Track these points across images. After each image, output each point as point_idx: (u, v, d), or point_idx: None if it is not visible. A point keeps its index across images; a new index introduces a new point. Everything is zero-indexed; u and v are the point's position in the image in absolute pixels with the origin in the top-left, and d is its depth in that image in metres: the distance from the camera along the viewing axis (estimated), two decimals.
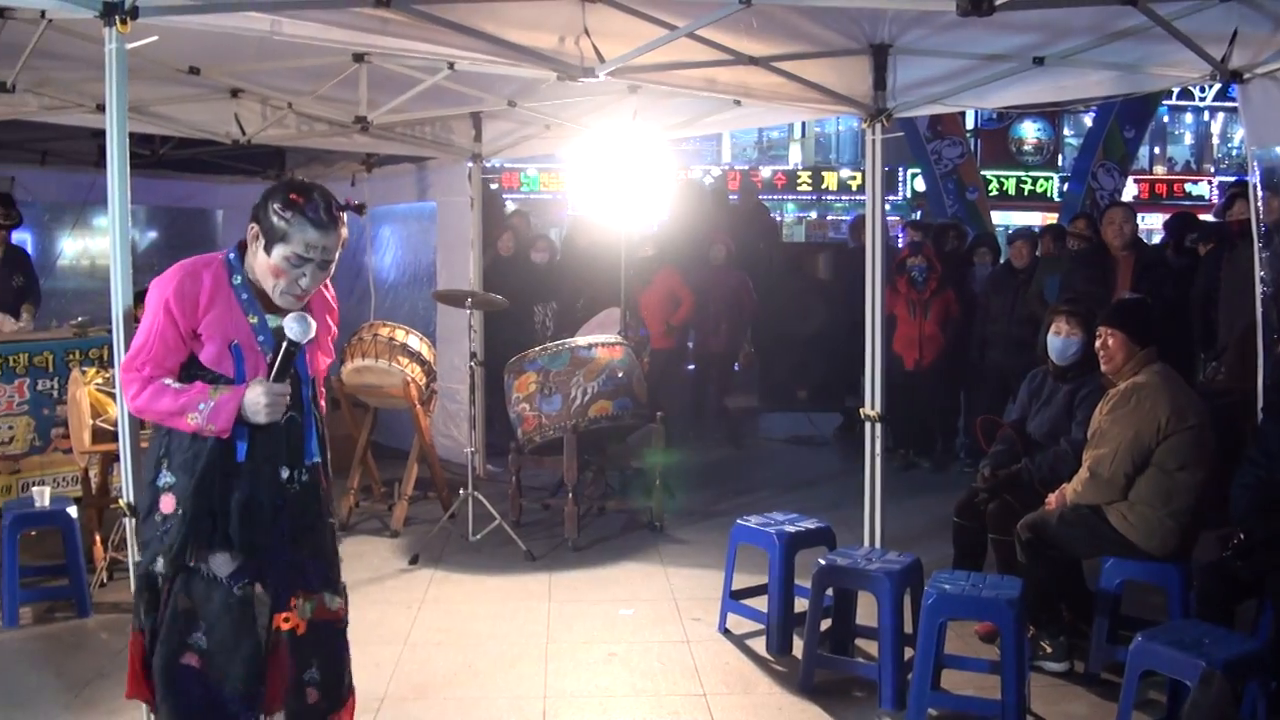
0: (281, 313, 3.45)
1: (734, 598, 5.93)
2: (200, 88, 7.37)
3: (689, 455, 9.99)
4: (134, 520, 3.98)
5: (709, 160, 29.01)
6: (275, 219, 3.36)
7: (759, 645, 5.68)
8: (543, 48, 5.41)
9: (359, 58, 6.56)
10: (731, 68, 5.87)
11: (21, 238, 9.80)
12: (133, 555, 4.03)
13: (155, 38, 4.28)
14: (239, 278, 3.48)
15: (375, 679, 5.15)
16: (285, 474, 3.52)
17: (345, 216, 3.49)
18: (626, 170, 8.26)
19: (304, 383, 3.57)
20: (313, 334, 3.39)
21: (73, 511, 6.31)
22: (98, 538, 6.89)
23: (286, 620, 3.51)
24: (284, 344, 3.35)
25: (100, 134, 9.28)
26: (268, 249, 3.39)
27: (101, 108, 6.89)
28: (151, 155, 10.49)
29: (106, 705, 5.01)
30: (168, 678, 3.41)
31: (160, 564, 3.42)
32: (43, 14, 5.25)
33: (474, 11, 5.04)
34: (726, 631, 5.90)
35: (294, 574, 3.55)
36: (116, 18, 3.85)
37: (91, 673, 5.41)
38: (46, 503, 6.33)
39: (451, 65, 6.28)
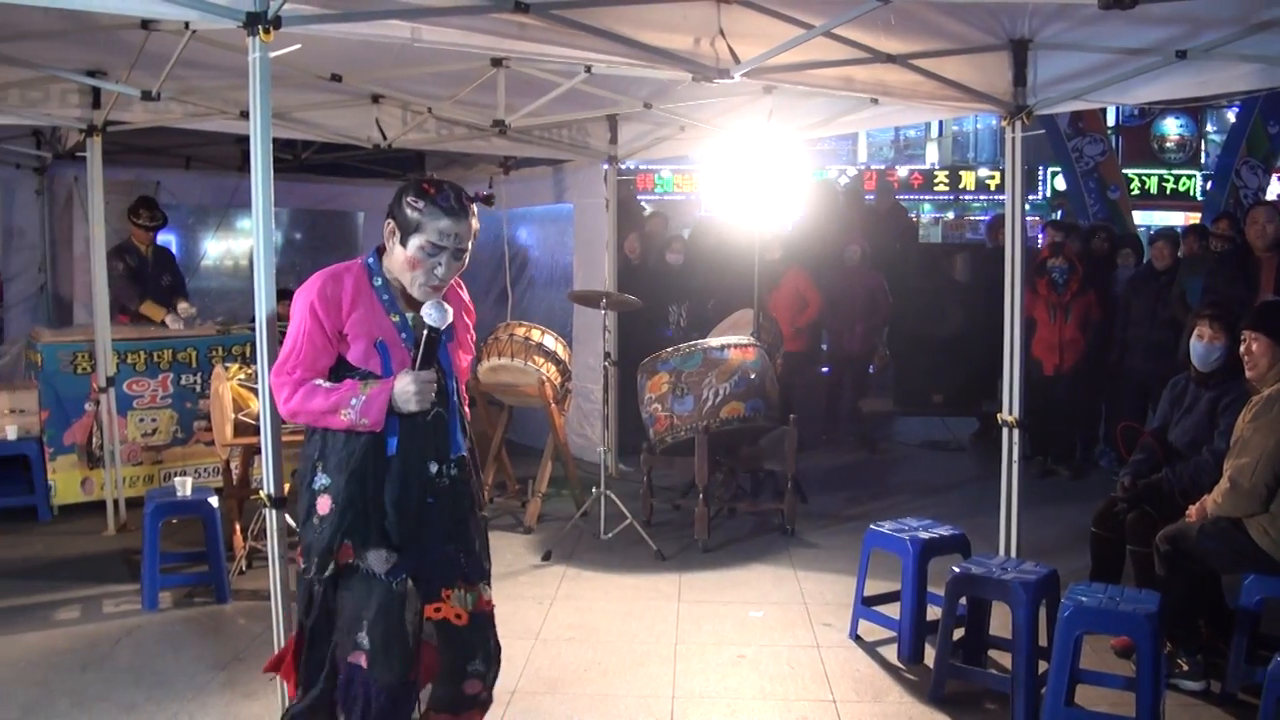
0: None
1: (866, 604, 5.86)
2: (342, 94, 7.55)
3: (822, 458, 9.93)
4: (274, 512, 4.10)
5: (845, 160, 28.74)
6: (409, 210, 3.44)
7: (890, 653, 5.61)
8: (678, 49, 5.41)
9: (497, 62, 6.64)
10: (868, 66, 5.81)
11: (166, 239, 10.12)
12: (273, 546, 4.15)
13: (298, 46, 4.37)
14: (379, 279, 3.55)
15: (507, 673, 5.14)
16: (434, 469, 3.58)
17: (476, 208, 3.55)
18: (761, 171, 8.22)
19: (448, 377, 3.62)
20: (450, 319, 3.45)
21: (214, 501, 6.51)
22: (238, 527, 7.11)
23: (437, 610, 3.58)
24: (424, 332, 3.42)
25: (243, 139, 9.68)
26: (403, 241, 3.46)
27: (245, 114, 7.10)
28: (294, 160, 10.81)
29: (243, 687, 5.18)
30: (342, 678, 3.49)
31: (317, 563, 3.50)
32: (187, 25, 5.43)
33: (610, 15, 5.06)
34: (857, 638, 5.84)
35: (447, 566, 3.62)
36: (260, 28, 3.93)
37: (229, 656, 5.59)
38: (188, 492, 6.54)
39: (588, 68, 6.34)
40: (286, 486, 4.16)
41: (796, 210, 11.23)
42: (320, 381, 3.47)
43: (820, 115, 7.79)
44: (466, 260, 3.56)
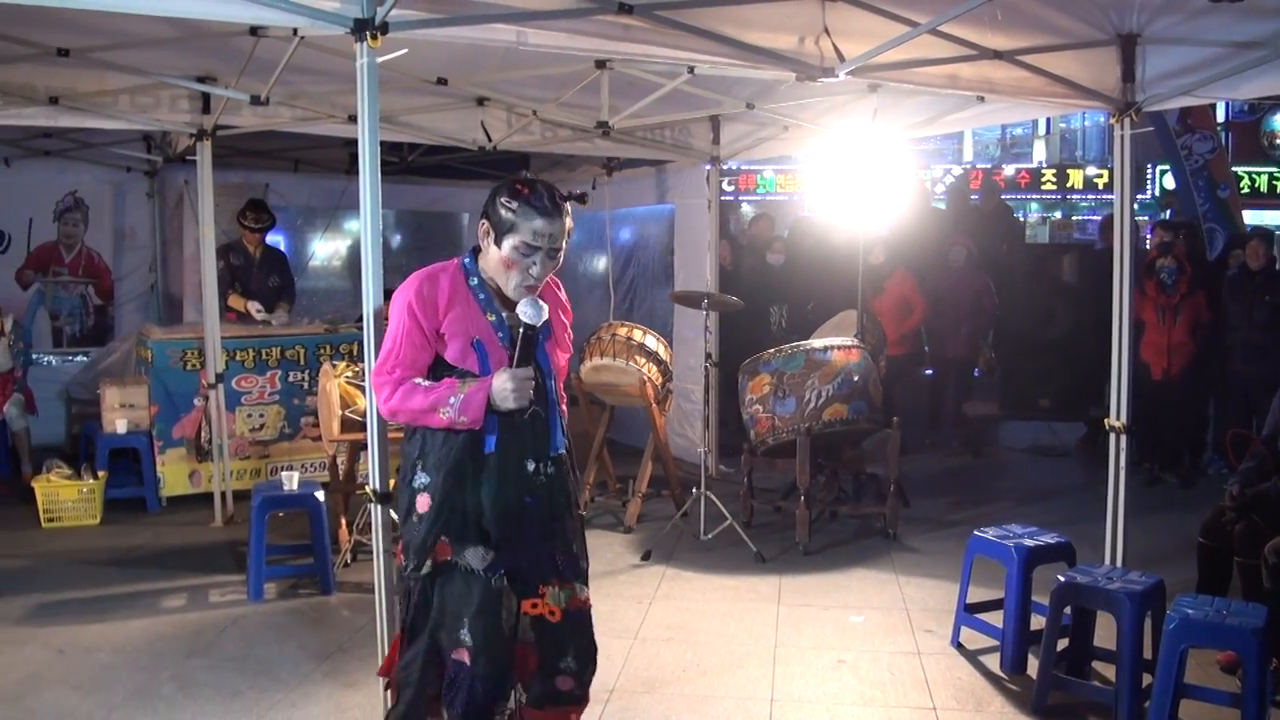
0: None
1: (968, 611, 5.78)
2: (448, 97, 7.63)
3: (925, 462, 9.84)
4: (378, 507, 4.16)
5: (950, 159, 28.41)
6: (503, 211, 3.47)
7: (992, 662, 5.53)
8: (782, 49, 5.39)
9: (601, 64, 6.66)
10: (974, 63, 5.74)
11: (275, 239, 10.33)
12: (377, 541, 4.21)
13: (405, 51, 4.42)
14: (475, 279, 3.59)
15: (605, 671, 5.18)
16: (531, 466, 3.60)
17: (570, 207, 3.57)
18: (865, 171, 8.15)
19: (546, 376, 3.63)
20: (545, 317, 3.47)
21: (320, 496, 6.64)
22: (343, 521, 7.25)
23: (534, 606, 3.60)
24: (520, 329, 3.44)
25: (351, 143, 9.73)
26: (498, 242, 3.50)
27: (353, 118, 7.17)
28: (400, 162, 10.95)
29: (345, 678, 5.28)
30: (448, 675, 3.53)
31: (415, 560, 3.55)
32: (295, 31, 5.52)
33: (714, 15, 5.06)
34: (959, 645, 5.76)
35: (544, 564, 3.63)
36: (367, 33, 4.00)
37: (332, 646, 5.70)
38: (295, 486, 6.69)
39: (692, 69, 6.33)
40: (391, 482, 4.21)
41: (896, 213, 11.12)
42: (420, 380, 3.51)
43: (925, 114, 7.70)
44: (561, 259, 3.59)
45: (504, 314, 3.58)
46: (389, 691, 3.82)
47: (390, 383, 3.51)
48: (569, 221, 3.56)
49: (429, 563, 3.52)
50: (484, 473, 3.53)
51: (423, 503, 3.54)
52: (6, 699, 5.08)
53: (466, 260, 3.64)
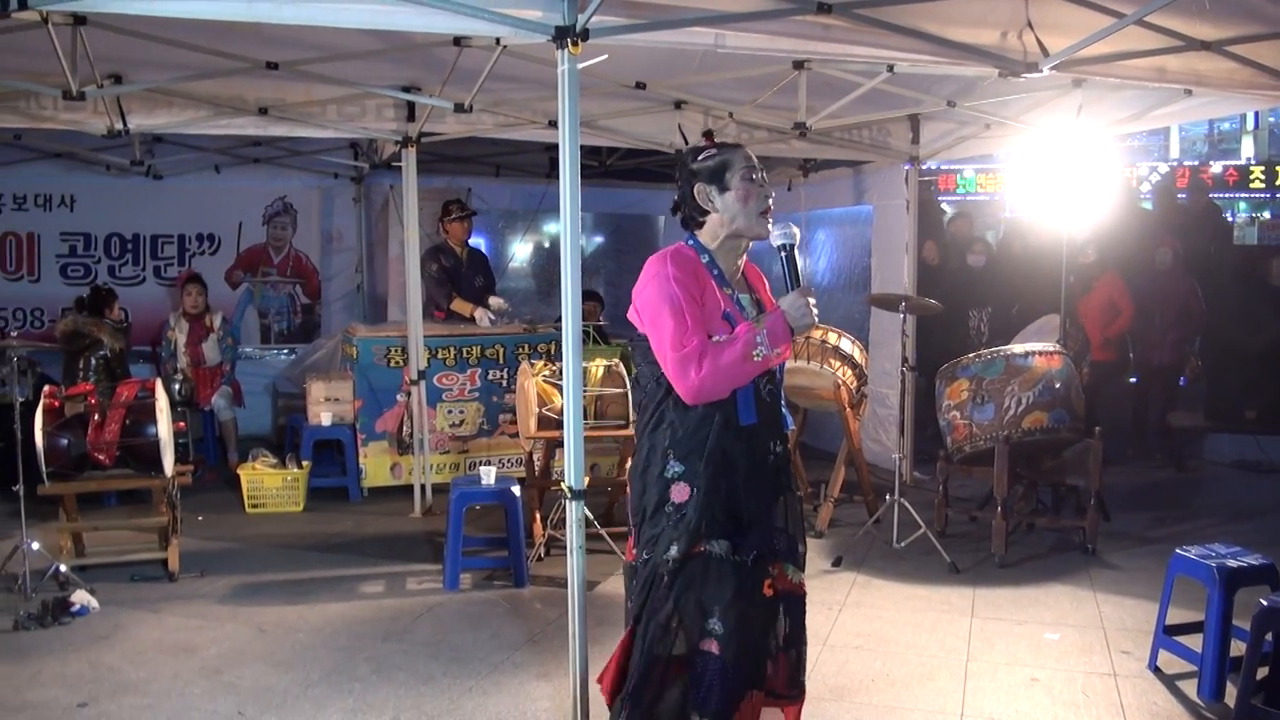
0: (744, 289, 3.62)
1: (1167, 633, 5.50)
2: (646, 101, 7.72)
3: (1127, 474, 9.53)
4: (574, 503, 4.21)
5: (1155, 156, 27.42)
6: (709, 161, 3.54)
7: (1190, 688, 5.26)
8: (984, 44, 5.31)
9: (799, 65, 6.64)
10: (1182, 54, 5.57)
11: (476, 242, 10.60)
12: (571, 536, 4.24)
13: (605, 56, 4.48)
14: (706, 256, 3.56)
15: None
16: (775, 447, 3.59)
17: None
18: (1070, 170, 7.93)
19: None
20: (796, 236, 3.52)
21: (516, 491, 6.77)
22: (537, 516, 7.38)
23: (771, 587, 3.52)
24: (781, 252, 3.50)
25: (551, 147, 10.02)
26: (722, 187, 3.52)
27: (553, 123, 7.37)
28: (599, 166, 11.13)
29: (536, 669, 5.37)
30: (691, 664, 3.43)
31: (674, 550, 3.43)
32: (497, 40, 5.66)
33: (914, 12, 5.01)
34: (1156, 669, 5.49)
35: (771, 542, 3.55)
36: (568, 40, 4.07)
37: (524, 638, 5.82)
38: (492, 481, 6.84)
39: (891, 68, 6.25)
40: (585, 480, 4.26)
41: (1102, 212, 10.81)
42: (716, 338, 3.41)
43: (1131, 109, 7.47)
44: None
45: (735, 290, 3.57)
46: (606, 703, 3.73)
47: (692, 355, 3.36)
48: None
49: (688, 542, 3.42)
50: (735, 453, 3.48)
51: (680, 492, 3.45)
52: (207, 671, 5.35)
53: (690, 240, 3.61)
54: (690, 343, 3.36)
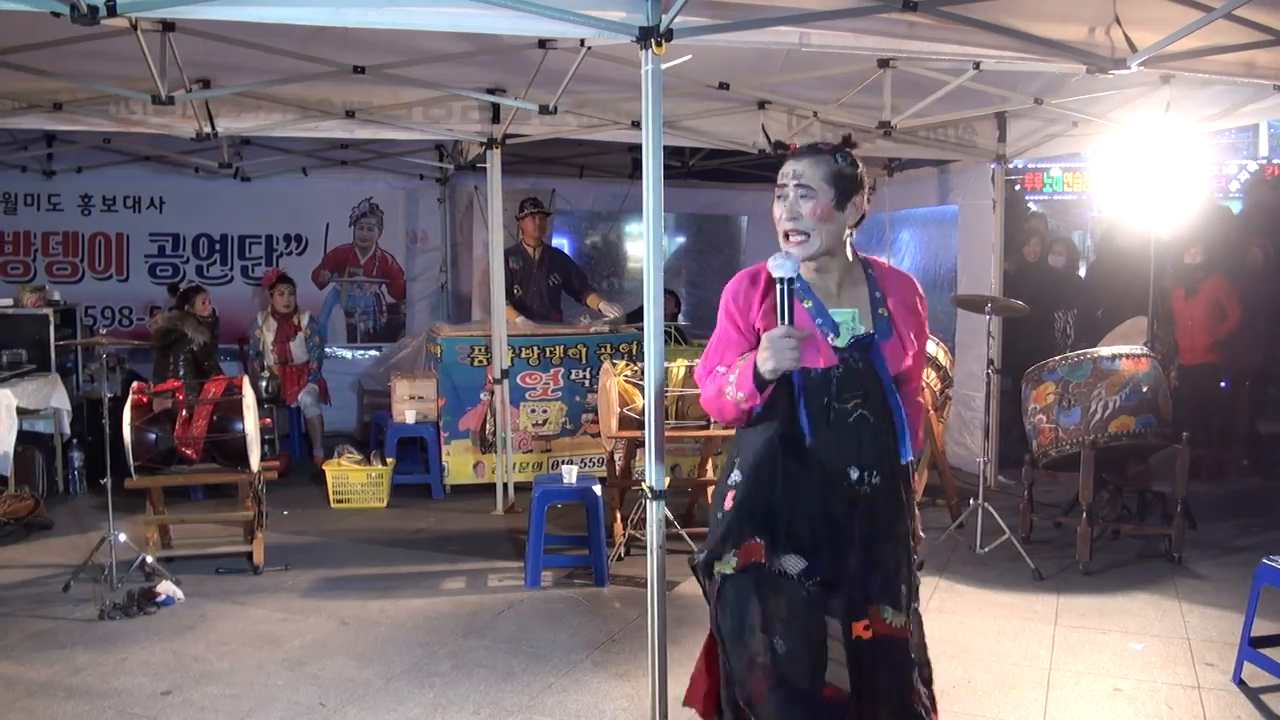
0: (843, 301, 3.40)
1: (1253, 646, 5.34)
2: (729, 101, 7.71)
3: (1216, 482, 9.34)
4: (654, 503, 4.22)
5: (1244, 155, 26.88)
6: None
7: (1275, 702, 5.12)
8: (1072, 40, 5.24)
9: (884, 63, 6.60)
10: (1272, 49, 5.45)
11: (560, 242, 10.64)
12: (652, 536, 4.27)
13: (688, 57, 4.48)
14: (789, 269, 3.33)
15: None
16: (855, 474, 3.32)
17: (839, 157, 3.38)
18: (1159, 167, 7.77)
19: (880, 380, 3.38)
20: (794, 270, 3.21)
21: (597, 490, 6.80)
22: (618, 515, 7.39)
23: (867, 629, 3.30)
24: (778, 285, 3.20)
25: (634, 148, 10.03)
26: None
27: (636, 124, 7.38)
28: (682, 166, 11.13)
29: (616, 668, 5.38)
30: (748, 689, 3.30)
31: (704, 557, 3.41)
32: (582, 42, 5.68)
33: (1000, 8, 4.95)
34: (1241, 682, 5.33)
35: (863, 580, 3.33)
36: (652, 41, 4.08)
37: (604, 636, 5.83)
38: (573, 480, 6.88)
39: (977, 65, 6.19)
40: (666, 480, 4.26)
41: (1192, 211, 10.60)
42: (720, 368, 3.37)
43: (1220, 105, 7.33)
44: (821, 200, 3.33)
45: (823, 301, 3.39)
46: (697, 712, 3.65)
47: (701, 378, 3.44)
48: (829, 164, 3.36)
49: (732, 560, 3.33)
50: (799, 474, 3.32)
51: (729, 500, 3.40)
52: (291, 663, 5.43)
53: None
54: (706, 364, 3.45)
